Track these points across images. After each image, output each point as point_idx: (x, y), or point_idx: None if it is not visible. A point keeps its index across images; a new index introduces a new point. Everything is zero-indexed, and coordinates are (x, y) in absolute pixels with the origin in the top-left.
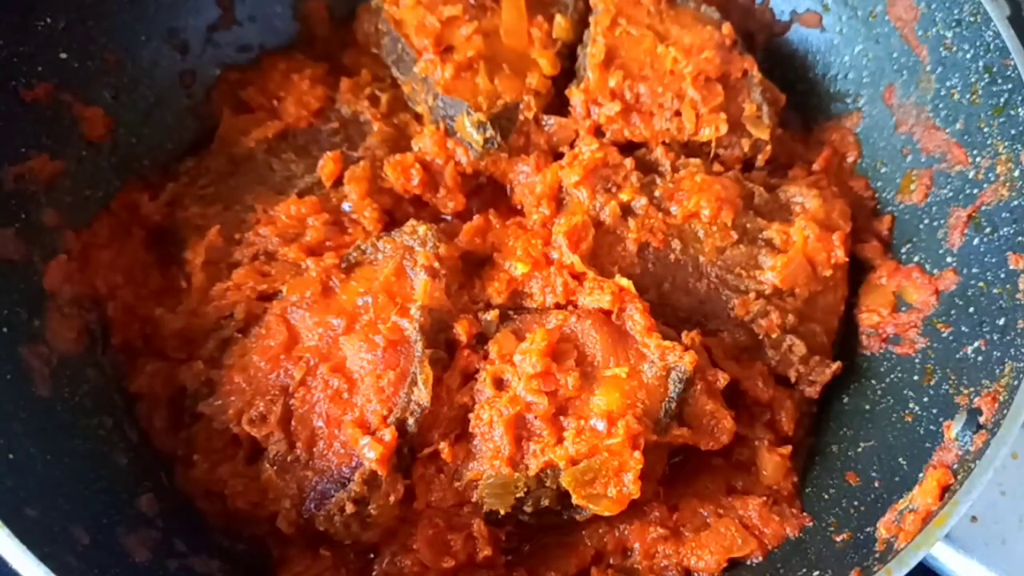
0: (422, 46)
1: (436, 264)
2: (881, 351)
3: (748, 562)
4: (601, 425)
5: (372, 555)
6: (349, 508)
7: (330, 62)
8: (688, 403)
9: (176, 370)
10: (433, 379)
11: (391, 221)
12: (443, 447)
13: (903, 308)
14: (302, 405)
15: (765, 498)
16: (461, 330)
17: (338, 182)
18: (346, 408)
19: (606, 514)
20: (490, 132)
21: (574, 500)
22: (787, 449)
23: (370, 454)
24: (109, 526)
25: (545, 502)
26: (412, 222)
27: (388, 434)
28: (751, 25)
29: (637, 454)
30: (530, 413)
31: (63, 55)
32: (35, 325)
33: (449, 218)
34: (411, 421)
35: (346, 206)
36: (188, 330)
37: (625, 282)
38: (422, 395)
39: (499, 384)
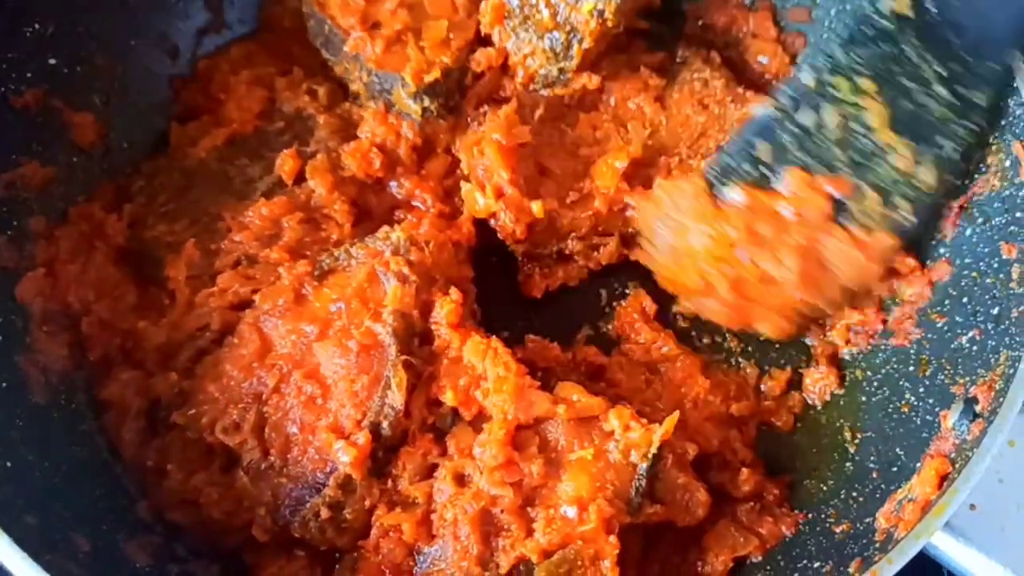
0: (348, 25)
1: (406, 270)
2: (871, 345)
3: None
4: (572, 512)
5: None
6: (324, 513)
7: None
8: (659, 478)
9: (149, 381)
10: (407, 384)
11: (359, 212)
12: (405, 528)
13: (896, 303)
14: (276, 412)
15: (752, 503)
16: (415, 419)
17: (299, 179)
18: (320, 414)
19: None
20: (426, 102)
21: None
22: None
23: (344, 458)
24: (109, 532)
25: None
26: (385, 228)
27: (362, 437)
28: None
29: (612, 539)
30: (496, 507)
31: (53, 61)
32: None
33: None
34: (385, 424)
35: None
36: (168, 343)
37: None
38: (395, 398)
39: (460, 480)
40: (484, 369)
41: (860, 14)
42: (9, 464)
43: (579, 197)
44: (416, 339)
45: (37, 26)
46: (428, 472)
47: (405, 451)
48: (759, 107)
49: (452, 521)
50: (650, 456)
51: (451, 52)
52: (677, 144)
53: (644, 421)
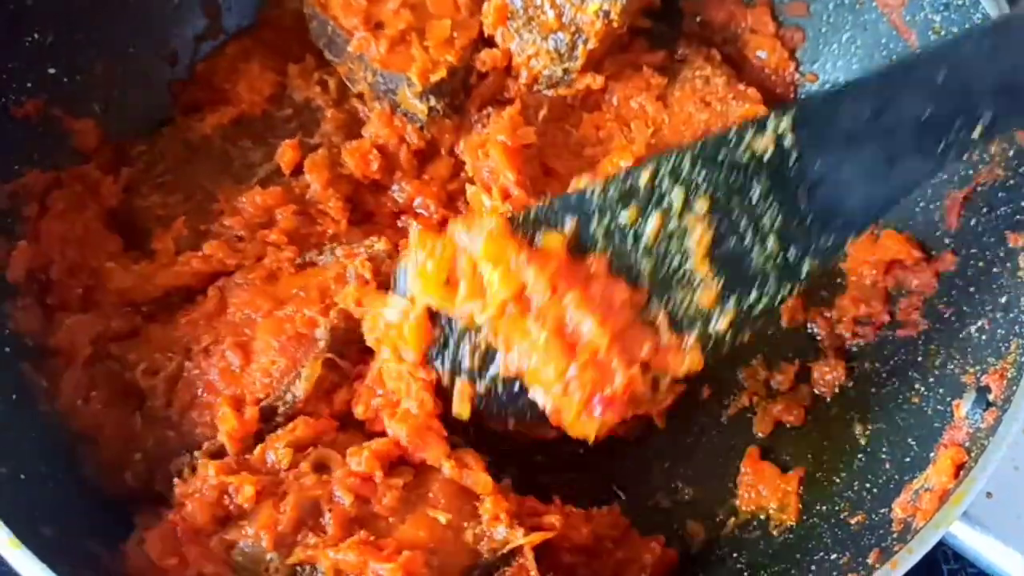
0: (351, 25)
1: (368, 275)
2: (878, 337)
3: (760, 546)
4: (385, 551)
5: None
6: (186, 475)
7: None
8: None
9: (104, 322)
10: (319, 382)
11: (354, 208)
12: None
13: (902, 294)
14: (194, 369)
15: None
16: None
17: (297, 170)
18: (231, 384)
19: None
20: (432, 101)
21: None
22: None
23: (222, 427)
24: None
25: None
26: (373, 238)
27: (249, 412)
28: None
29: None
30: (327, 507)
31: (52, 70)
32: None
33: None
34: (281, 410)
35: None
36: (134, 291)
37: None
38: (299, 388)
39: (320, 467)
40: (400, 396)
41: (722, 138)
42: (22, 476)
43: None
44: (356, 347)
45: (36, 36)
46: (303, 448)
47: (300, 421)
48: (583, 182)
49: (281, 495)
50: (497, 554)
51: (455, 51)
52: (680, 142)
53: (516, 523)
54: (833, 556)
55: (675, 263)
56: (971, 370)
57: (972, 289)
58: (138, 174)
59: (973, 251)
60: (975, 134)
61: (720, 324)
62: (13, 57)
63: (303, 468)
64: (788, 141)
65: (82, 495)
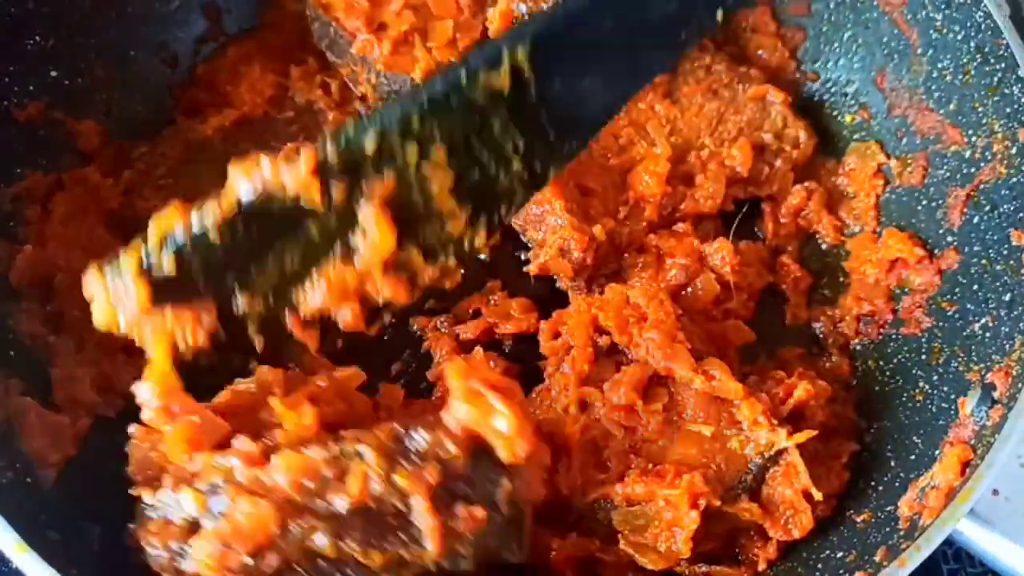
0: (354, 27)
1: None
2: (881, 335)
3: None
4: (666, 474)
5: None
6: None
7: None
8: (768, 483)
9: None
10: None
11: None
12: None
13: (905, 292)
14: None
15: None
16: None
17: None
18: None
19: (648, 567)
20: None
21: (621, 544)
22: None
23: None
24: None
25: (593, 536)
26: None
27: None
28: None
29: (694, 514)
30: (604, 443)
31: (54, 73)
32: None
33: None
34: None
35: None
36: None
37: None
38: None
39: (583, 406)
40: (644, 308)
41: (453, 82)
42: (28, 480)
43: (628, 211)
44: None
45: (37, 39)
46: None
47: None
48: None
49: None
50: (765, 456)
51: (459, 53)
52: (699, 135)
53: (775, 423)
54: (839, 554)
55: (420, 206)
56: (975, 367)
57: (976, 287)
58: (139, 176)
59: (976, 248)
60: (718, 18)
61: (476, 242)
62: (15, 60)
63: (572, 410)
64: (526, 72)
65: (90, 500)
